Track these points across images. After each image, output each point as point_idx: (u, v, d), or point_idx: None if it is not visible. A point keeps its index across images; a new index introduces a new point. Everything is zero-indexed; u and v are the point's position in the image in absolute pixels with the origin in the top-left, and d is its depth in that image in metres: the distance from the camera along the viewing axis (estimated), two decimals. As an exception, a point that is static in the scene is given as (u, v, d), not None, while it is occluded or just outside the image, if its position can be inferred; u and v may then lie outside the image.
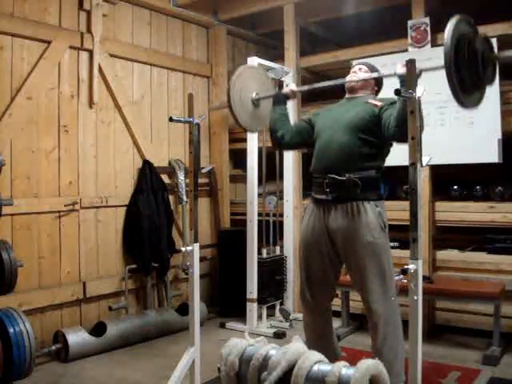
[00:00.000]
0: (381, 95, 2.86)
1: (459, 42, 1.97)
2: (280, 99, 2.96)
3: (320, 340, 2.80)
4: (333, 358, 2.75)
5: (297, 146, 3.15)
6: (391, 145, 2.71)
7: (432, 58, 3.73)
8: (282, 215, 4.48)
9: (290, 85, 3.13)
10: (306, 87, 3.05)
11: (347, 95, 2.84)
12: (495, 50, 2.14)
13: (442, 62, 1.99)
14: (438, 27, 3.82)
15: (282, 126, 2.88)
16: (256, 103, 3.08)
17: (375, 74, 2.73)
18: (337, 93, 3.03)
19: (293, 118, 4.46)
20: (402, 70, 2.30)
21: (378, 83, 2.83)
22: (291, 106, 4.45)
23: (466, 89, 2.03)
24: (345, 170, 2.56)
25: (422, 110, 2.22)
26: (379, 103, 2.62)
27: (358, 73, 2.80)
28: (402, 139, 2.31)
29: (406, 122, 2.26)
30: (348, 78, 2.80)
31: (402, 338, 2.57)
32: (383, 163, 2.69)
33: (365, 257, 2.53)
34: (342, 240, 2.60)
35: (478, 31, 2.09)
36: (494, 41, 3.53)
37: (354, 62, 2.89)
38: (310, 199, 2.79)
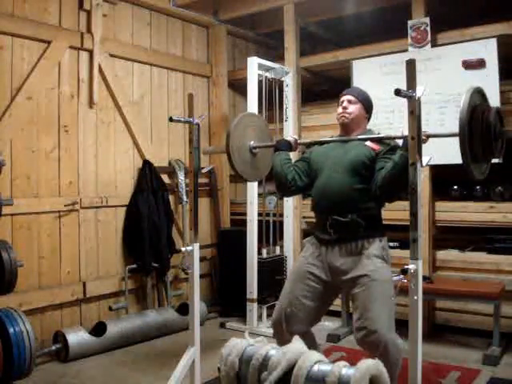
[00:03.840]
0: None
1: (473, 112, 1.96)
2: (283, 146, 2.81)
3: None
4: None
5: (306, 189, 2.80)
6: None
7: (432, 58, 3.74)
8: (282, 215, 4.48)
9: (294, 136, 2.97)
10: (307, 140, 3.01)
11: (341, 132, 2.73)
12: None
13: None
14: (438, 27, 3.82)
15: (288, 170, 2.72)
16: (254, 152, 2.92)
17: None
18: (336, 94, 3.01)
19: (292, 120, 4.48)
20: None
21: (367, 110, 2.71)
22: (291, 108, 4.47)
23: (477, 159, 2.01)
24: (347, 210, 2.50)
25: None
26: (377, 147, 2.54)
27: (348, 108, 2.65)
28: (389, 196, 2.46)
29: (394, 180, 2.32)
30: (338, 115, 2.68)
31: (400, 364, 2.43)
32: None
33: (366, 286, 2.43)
34: (343, 274, 2.51)
35: (489, 103, 2.09)
36: (493, 41, 3.56)
37: (342, 93, 2.72)
38: (312, 237, 2.68)
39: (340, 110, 2.69)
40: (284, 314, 2.56)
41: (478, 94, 2.05)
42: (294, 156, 3.14)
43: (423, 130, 2.01)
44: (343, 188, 2.53)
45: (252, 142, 2.92)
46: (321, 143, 2.80)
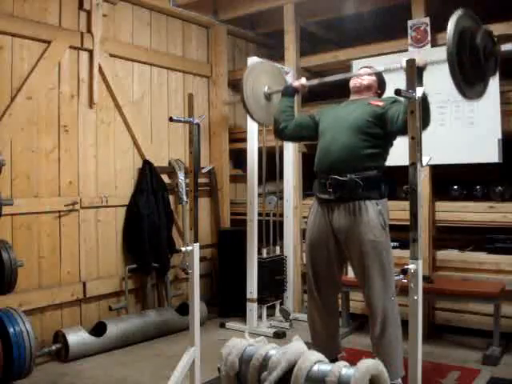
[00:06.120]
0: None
1: (461, 36, 2.03)
2: (288, 91, 3.06)
3: (326, 338, 2.86)
4: (334, 354, 2.79)
5: (295, 140, 3.40)
6: (391, 145, 2.74)
7: (432, 58, 3.73)
8: (282, 215, 4.48)
9: (301, 79, 3.15)
10: (315, 81, 3.09)
11: (352, 97, 2.90)
12: (497, 43, 2.22)
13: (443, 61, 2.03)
14: (438, 27, 3.82)
15: (286, 118, 2.97)
16: (268, 97, 3.19)
17: (381, 68, 2.80)
18: (337, 93, 3.04)
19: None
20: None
21: (380, 86, 2.91)
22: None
23: (469, 81, 2.10)
24: (346, 170, 2.62)
25: (430, 104, 2.30)
26: (381, 103, 2.69)
27: (363, 76, 2.87)
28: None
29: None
30: (352, 81, 2.88)
31: (400, 334, 2.63)
32: (384, 162, 2.75)
33: (366, 255, 2.60)
34: (344, 238, 2.68)
35: (480, 25, 2.16)
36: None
37: (359, 66, 2.99)
38: (315, 198, 2.85)
39: (355, 78, 2.88)
40: (313, 282, 2.82)
41: (468, 17, 2.12)
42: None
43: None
44: (344, 148, 2.65)
45: (266, 88, 3.18)
46: (325, 83, 3.02)
